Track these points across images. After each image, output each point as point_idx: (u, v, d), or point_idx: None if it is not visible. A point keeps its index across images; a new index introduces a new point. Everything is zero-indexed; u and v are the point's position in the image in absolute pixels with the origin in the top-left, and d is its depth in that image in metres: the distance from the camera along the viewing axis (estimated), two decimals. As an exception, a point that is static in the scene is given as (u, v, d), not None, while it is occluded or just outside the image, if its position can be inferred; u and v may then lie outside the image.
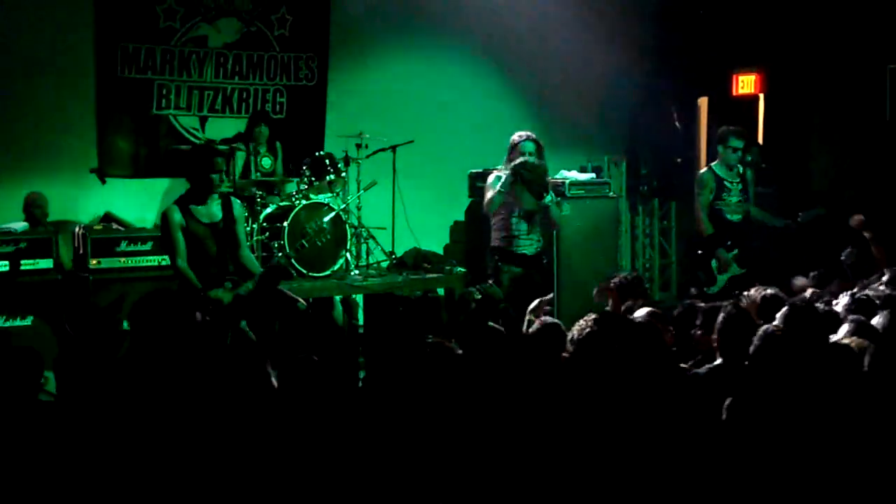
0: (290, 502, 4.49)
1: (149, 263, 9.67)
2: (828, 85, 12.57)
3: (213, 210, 7.79)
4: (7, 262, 9.27)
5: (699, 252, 9.72)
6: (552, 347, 5.77)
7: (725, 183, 9.65)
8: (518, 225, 9.28)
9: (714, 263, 9.56)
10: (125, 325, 8.58)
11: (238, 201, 8.01)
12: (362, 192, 10.63)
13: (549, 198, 9.13)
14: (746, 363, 5.48)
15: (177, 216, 7.64)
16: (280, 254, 10.05)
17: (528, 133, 9.36)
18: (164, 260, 8.99)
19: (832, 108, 12.60)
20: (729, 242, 9.58)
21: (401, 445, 4.72)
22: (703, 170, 9.91)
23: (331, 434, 4.88)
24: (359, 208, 10.72)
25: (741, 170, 9.71)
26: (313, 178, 10.51)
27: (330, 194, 10.53)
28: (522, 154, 9.13)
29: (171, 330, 6.16)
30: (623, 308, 7.19)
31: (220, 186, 7.79)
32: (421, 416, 4.94)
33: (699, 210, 9.66)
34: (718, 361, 5.76)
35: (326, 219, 10.24)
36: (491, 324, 6.57)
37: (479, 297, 8.01)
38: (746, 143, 9.82)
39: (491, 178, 9.35)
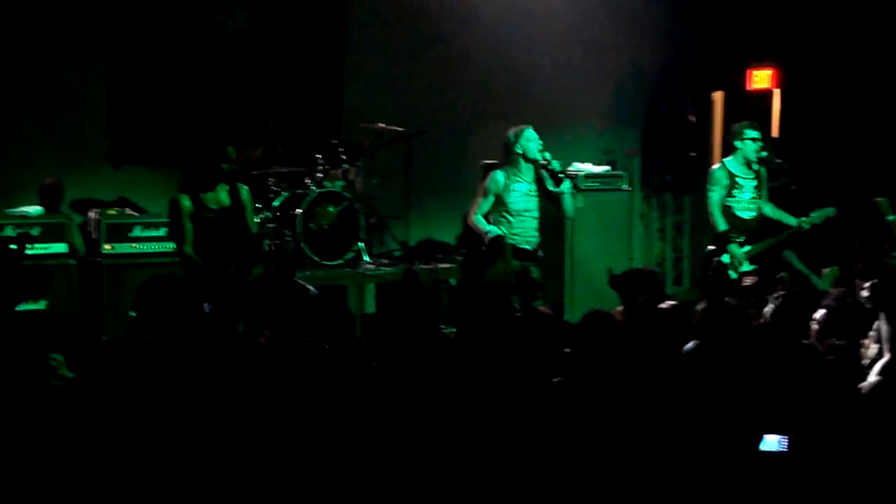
0: (300, 490, 4.50)
1: (163, 249, 9.64)
2: (843, 80, 12.53)
3: (221, 197, 7.82)
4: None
5: (710, 248, 9.70)
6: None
7: (738, 179, 9.60)
8: (522, 222, 9.15)
9: (726, 258, 9.53)
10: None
11: (245, 188, 8.02)
12: (375, 181, 10.64)
13: (566, 185, 9.08)
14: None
15: (186, 203, 7.69)
16: (289, 238, 10.03)
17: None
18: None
19: (848, 104, 12.56)
20: (741, 239, 9.55)
21: (410, 433, 4.72)
22: (717, 166, 9.86)
23: (341, 422, 4.89)
24: (372, 197, 10.74)
25: (756, 166, 9.67)
26: (328, 167, 10.52)
27: (344, 182, 10.54)
28: (527, 140, 9.04)
29: (177, 318, 6.15)
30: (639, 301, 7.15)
31: (229, 174, 7.80)
32: (430, 403, 4.94)
33: (711, 206, 9.62)
34: None
35: (340, 207, 10.25)
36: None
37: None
38: (763, 135, 9.78)
39: (487, 181, 9.21)
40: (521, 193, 9.06)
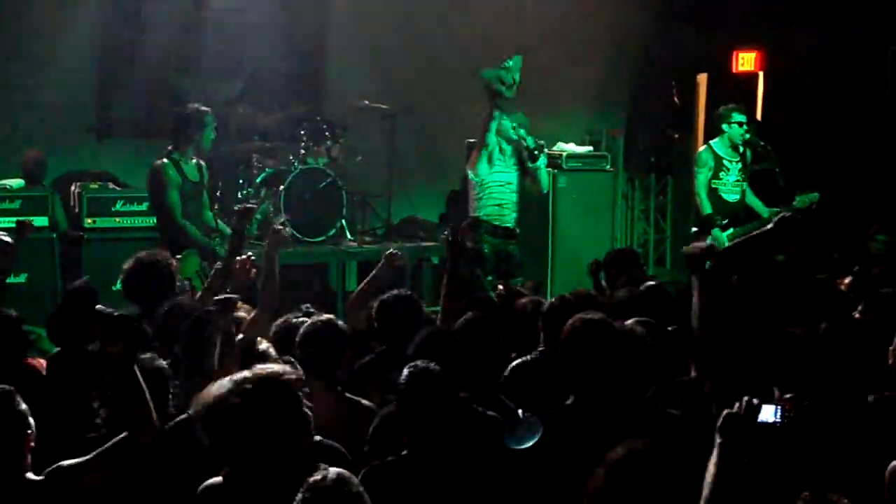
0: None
1: (145, 224, 9.59)
2: (828, 63, 12.55)
3: (194, 170, 8.03)
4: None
5: (694, 230, 9.72)
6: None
7: (724, 162, 9.63)
8: (507, 196, 9.09)
9: (709, 242, 9.54)
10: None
11: (204, 164, 8.22)
12: (359, 158, 10.63)
13: (542, 160, 9.06)
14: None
15: (171, 172, 7.84)
16: (284, 218, 9.99)
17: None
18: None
19: (832, 87, 12.58)
20: (725, 221, 9.57)
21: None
22: (703, 148, 9.89)
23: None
24: (355, 175, 10.73)
25: (742, 149, 9.68)
26: (311, 143, 10.50)
27: (327, 160, 10.52)
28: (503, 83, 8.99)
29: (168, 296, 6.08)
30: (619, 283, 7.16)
31: (209, 148, 8.04)
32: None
33: (697, 188, 9.64)
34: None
35: (323, 185, 10.23)
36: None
37: None
38: (748, 118, 9.80)
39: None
40: (506, 157, 9.02)
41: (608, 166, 11.63)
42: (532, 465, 4.45)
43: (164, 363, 4.74)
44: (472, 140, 9.91)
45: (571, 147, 11.54)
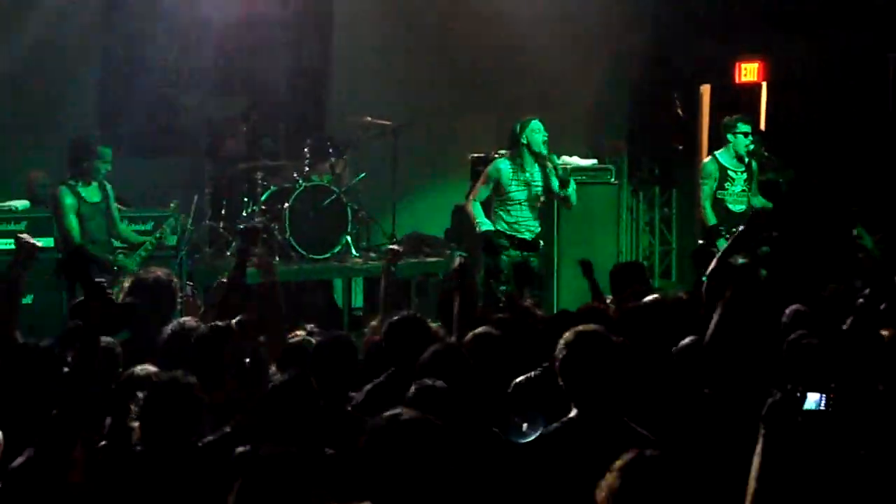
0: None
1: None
2: (831, 74, 12.55)
3: (95, 192, 8.46)
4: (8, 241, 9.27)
5: (700, 242, 9.71)
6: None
7: (729, 172, 9.65)
8: (521, 211, 9.27)
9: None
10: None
11: (108, 183, 8.61)
12: (357, 179, 10.64)
13: (572, 187, 9.24)
14: None
15: (67, 198, 8.31)
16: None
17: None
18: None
19: (835, 97, 12.58)
20: (731, 233, 9.57)
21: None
22: (707, 159, 9.90)
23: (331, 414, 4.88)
24: (360, 191, 10.73)
25: (747, 160, 9.69)
26: (315, 160, 10.51)
27: (331, 176, 10.53)
28: (532, 131, 9.17)
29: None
30: (625, 295, 7.16)
31: (101, 173, 8.44)
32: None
33: (703, 199, 9.65)
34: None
35: (327, 202, 10.24)
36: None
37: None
38: (753, 129, 9.83)
39: (490, 167, 9.34)
40: (521, 183, 9.18)
41: (612, 179, 11.62)
42: (537, 481, 4.44)
43: (114, 341, 4.95)
44: (476, 155, 9.93)
45: (575, 160, 11.53)
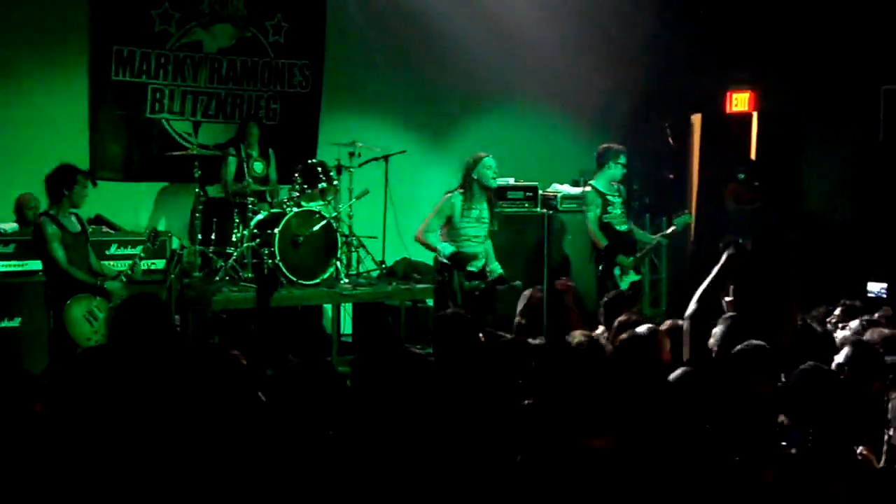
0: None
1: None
2: (822, 105, 12.59)
3: (73, 222, 8.47)
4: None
5: (600, 266, 9.95)
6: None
7: (609, 197, 10.14)
8: (470, 246, 9.45)
9: (616, 271, 9.83)
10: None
11: (81, 216, 8.67)
12: (354, 200, 10.63)
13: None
14: None
15: (50, 228, 8.28)
16: (269, 260, 10.02)
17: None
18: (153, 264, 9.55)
19: (826, 128, 12.63)
20: (623, 249, 10.09)
21: (387, 450, 4.68)
22: (587, 189, 10.22)
23: (319, 440, 4.85)
24: (350, 217, 10.71)
25: (617, 187, 10.18)
26: (305, 186, 10.49)
27: (321, 202, 10.51)
28: (484, 168, 9.39)
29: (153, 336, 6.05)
30: (617, 322, 7.14)
31: (82, 202, 8.49)
32: (406, 422, 4.91)
33: (590, 225, 10.07)
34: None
35: (317, 227, 10.21)
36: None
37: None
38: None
39: (443, 202, 9.46)
40: (472, 219, 9.34)
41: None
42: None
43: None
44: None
45: (566, 188, 11.51)
